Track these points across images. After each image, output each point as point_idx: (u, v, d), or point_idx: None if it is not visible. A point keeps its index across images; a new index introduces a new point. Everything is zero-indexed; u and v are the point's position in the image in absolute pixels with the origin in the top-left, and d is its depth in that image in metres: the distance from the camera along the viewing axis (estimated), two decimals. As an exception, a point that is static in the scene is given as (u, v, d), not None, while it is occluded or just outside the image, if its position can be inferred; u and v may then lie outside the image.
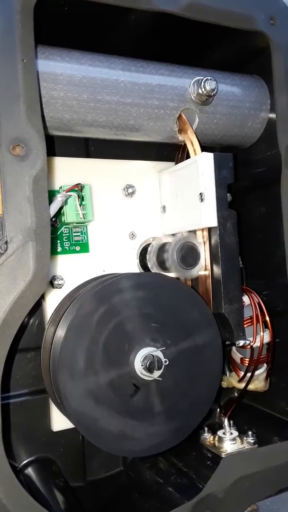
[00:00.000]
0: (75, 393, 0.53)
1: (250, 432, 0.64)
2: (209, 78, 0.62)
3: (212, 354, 0.61)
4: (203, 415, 0.61)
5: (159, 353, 0.55)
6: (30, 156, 0.49)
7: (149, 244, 0.69)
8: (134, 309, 0.56)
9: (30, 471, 0.62)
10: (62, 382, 0.53)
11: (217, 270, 0.62)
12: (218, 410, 0.73)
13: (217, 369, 0.61)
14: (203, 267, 0.63)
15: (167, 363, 0.56)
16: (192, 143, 0.64)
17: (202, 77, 0.62)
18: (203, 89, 0.62)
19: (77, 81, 0.57)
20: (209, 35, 0.64)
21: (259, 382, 0.69)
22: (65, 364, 0.53)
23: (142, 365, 0.55)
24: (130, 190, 0.69)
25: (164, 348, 0.56)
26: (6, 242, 0.48)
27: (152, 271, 0.67)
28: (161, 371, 0.55)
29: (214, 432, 0.67)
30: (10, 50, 0.49)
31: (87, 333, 0.54)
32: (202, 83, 0.62)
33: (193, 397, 0.60)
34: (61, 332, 0.56)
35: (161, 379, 0.55)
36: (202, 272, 0.63)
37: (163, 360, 0.55)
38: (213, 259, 0.62)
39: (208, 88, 0.62)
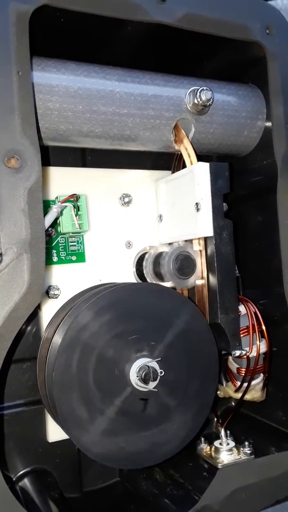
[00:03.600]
0: (93, 441, 0.53)
1: (247, 443, 0.64)
2: (204, 88, 0.62)
3: (199, 328, 0.60)
4: (214, 389, 0.62)
5: (153, 364, 0.55)
6: (25, 168, 0.49)
7: (145, 253, 0.69)
8: (106, 335, 0.55)
9: (25, 482, 0.62)
10: (77, 439, 0.53)
11: (213, 279, 0.61)
12: (215, 420, 0.73)
13: (210, 339, 0.60)
14: (199, 276, 0.63)
15: (163, 374, 0.55)
16: (188, 152, 0.64)
17: (198, 87, 0.62)
18: (199, 99, 0.62)
19: (73, 92, 0.57)
20: (205, 45, 0.64)
21: (256, 392, 0.69)
22: (70, 423, 0.53)
23: (137, 376, 0.54)
24: (126, 199, 0.69)
25: (160, 359, 0.56)
26: (1, 254, 0.48)
27: (148, 281, 0.67)
28: (157, 381, 0.55)
29: (210, 442, 0.66)
30: (5, 62, 0.49)
31: (74, 383, 0.53)
32: (198, 93, 0.62)
33: (199, 376, 0.60)
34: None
35: (156, 390, 0.55)
36: (199, 282, 0.63)
37: (159, 371, 0.55)
38: (209, 268, 0.62)
39: (203, 98, 0.62)
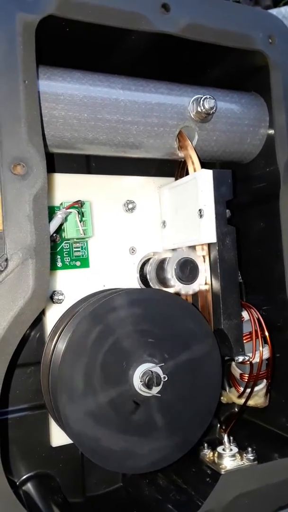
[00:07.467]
0: (75, 415, 0.53)
1: (250, 449, 0.64)
2: (207, 96, 0.63)
3: (211, 365, 0.60)
4: (205, 426, 0.61)
5: (158, 369, 0.55)
6: (31, 175, 0.50)
7: (149, 259, 0.70)
8: (129, 326, 0.56)
9: (29, 486, 0.62)
10: (62, 405, 0.53)
11: (216, 285, 0.62)
12: (218, 426, 0.73)
13: (217, 380, 0.61)
14: (202, 282, 0.63)
15: (166, 379, 0.56)
16: (191, 159, 0.64)
17: (201, 96, 0.63)
18: (202, 108, 0.63)
19: (78, 101, 0.58)
20: (208, 55, 0.65)
21: (259, 398, 0.69)
22: (64, 387, 0.53)
23: (141, 381, 0.55)
24: (130, 206, 0.70)
25: (163, 364, 0.56)
26: (6, 260, 0.49)
27: (152, 286, 0.67)
28: (160, 387, 0.55)
29: (213, 448, 0.66)
30: (12, 71, 0.50)
31: (83, 355, 0.54)
32: (201, 102, 0.63)
33: (194, 409, 0.59)
34: (59, 352, 0.56)
35: (160, 395, 0.56)
36: (202, 287, 0.64)
37: (162, 376, 0.55)
38: (213, 274, 0.62)
39: (207, 106, 0.62)
